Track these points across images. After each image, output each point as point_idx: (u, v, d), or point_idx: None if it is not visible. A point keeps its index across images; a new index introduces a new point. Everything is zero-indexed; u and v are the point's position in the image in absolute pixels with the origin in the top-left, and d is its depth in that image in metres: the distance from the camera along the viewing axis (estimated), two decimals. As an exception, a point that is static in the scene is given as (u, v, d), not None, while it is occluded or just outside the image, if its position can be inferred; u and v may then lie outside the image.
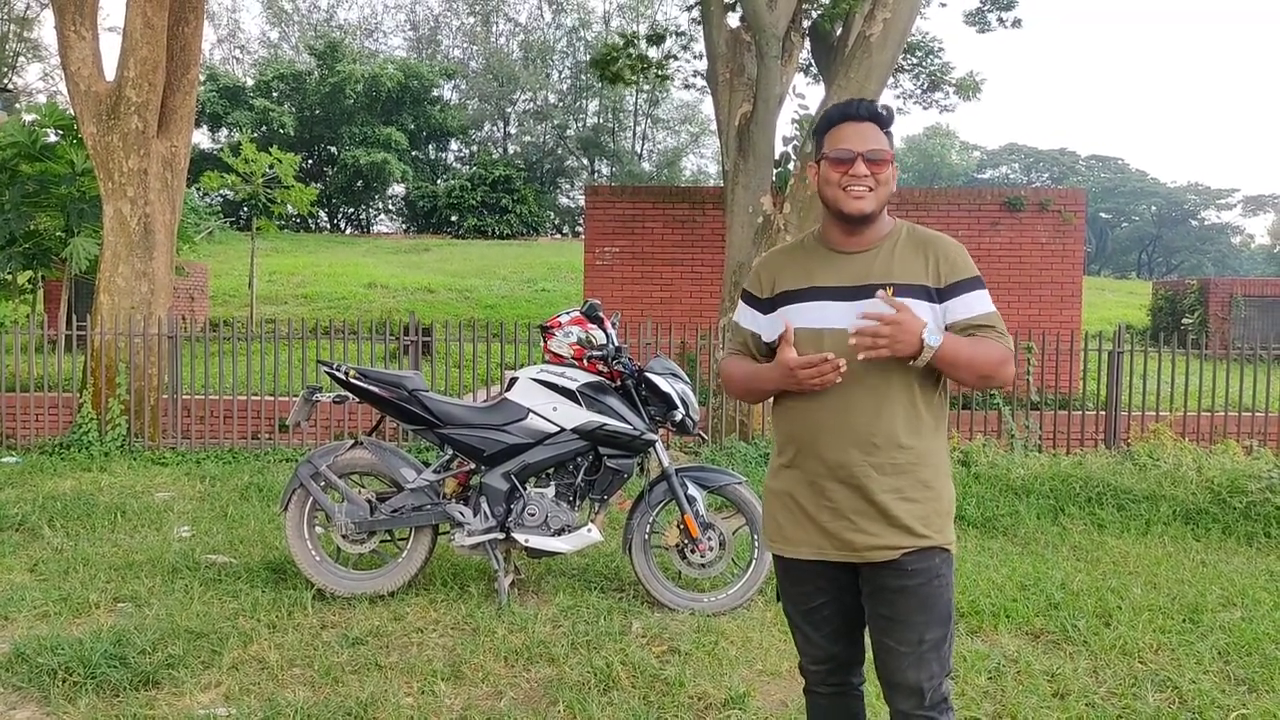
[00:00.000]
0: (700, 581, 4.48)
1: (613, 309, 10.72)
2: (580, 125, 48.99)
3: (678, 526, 4.38)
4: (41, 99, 32.51)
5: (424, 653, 3.76)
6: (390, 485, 4.54)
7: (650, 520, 4.39)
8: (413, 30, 51.76)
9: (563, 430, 4.32)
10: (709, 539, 4.33)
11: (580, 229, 40.32)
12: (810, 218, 8.17)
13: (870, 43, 8.14)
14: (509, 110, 49.26)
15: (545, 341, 4.53)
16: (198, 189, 19.90)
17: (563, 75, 49.92)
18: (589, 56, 31.67)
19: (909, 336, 1.97)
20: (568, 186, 48.89)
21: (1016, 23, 15.08)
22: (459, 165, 47.38)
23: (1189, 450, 7.18)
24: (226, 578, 4.62)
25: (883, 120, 2.15)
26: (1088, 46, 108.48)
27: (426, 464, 4.57)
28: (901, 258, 2.14)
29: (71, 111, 9.54)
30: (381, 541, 4.55)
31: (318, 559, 4.43)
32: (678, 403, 4.36)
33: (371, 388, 4.41)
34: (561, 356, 4.46)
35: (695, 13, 13.00)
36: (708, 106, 37.03)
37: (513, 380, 4.49)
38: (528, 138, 49.60)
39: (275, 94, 39.43)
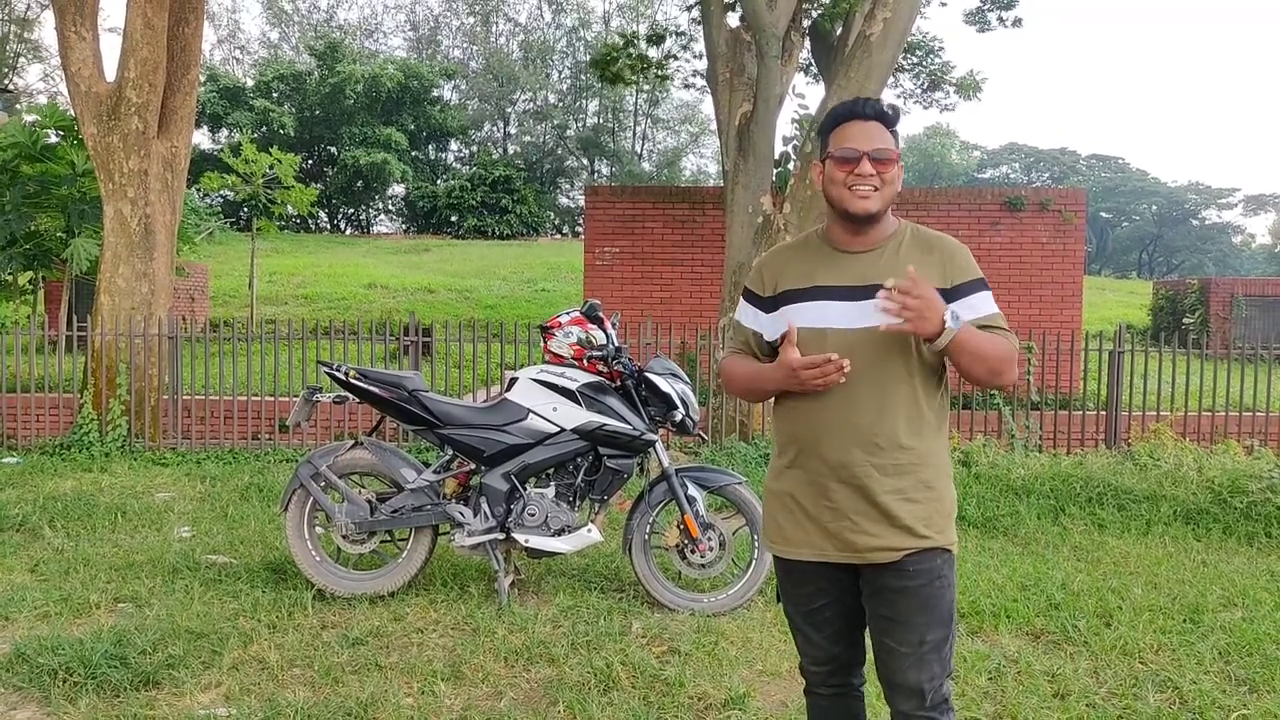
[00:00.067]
0: (700, 582, 4.48)
1: (613, 309, 10.72)
2: (580, 125, 49.00)
3: (678, 527, 4.38)
4: (42, 100, 32.59)
5: (424, 653, 3.76)
6: (390, 485, 4.54)
7: (650, 520, 4.39)
8: (413, 30, 51.84)
9: (563, 430, 4.32)
10: (709, 539, 4.33)
11: (580, 229, 40.32)
12: (810, 218, 8.17)
13: (870, 42, 8.14)
14: (509, 110, 49.27)
15: (545, 342, 4.53)
16: (198, 189, 19.90)
17: (562, 75, 49.95)
18: (589, 56, 31.71)
19: (933, 314, 1.96)
20: (568, 186, 48.92)
21: (1017, 22, 15.06)
22: (459, 165, 47.41)
23: (1190, 450, 7.18)
24: (227, 578, 4.62)
25: (888, 119, 2.14)
26: (1088, 46, 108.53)
27: (427, 464, 4.57)
28: (906, 258, 2.13)
29: (72, 112, 9.54)
30: (382, 542, 4.55)
31: (318, 559, 4.43)
32: (678, 403, 4.36)
33: (371, 388, 4.41)
34: (561, 357, 4.46)
35: (695, 12, 13.00)
36: (707, 106, 37.09)
37: (513, 380, 4.49)
38: (528, 138, 49.62)
39: (275, 94, 39.45)
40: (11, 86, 34.87)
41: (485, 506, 4.33)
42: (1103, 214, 57.16)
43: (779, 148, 9.60)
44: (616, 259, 12.27)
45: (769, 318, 2.23)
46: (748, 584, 4.32)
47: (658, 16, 42.84)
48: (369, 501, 4.44)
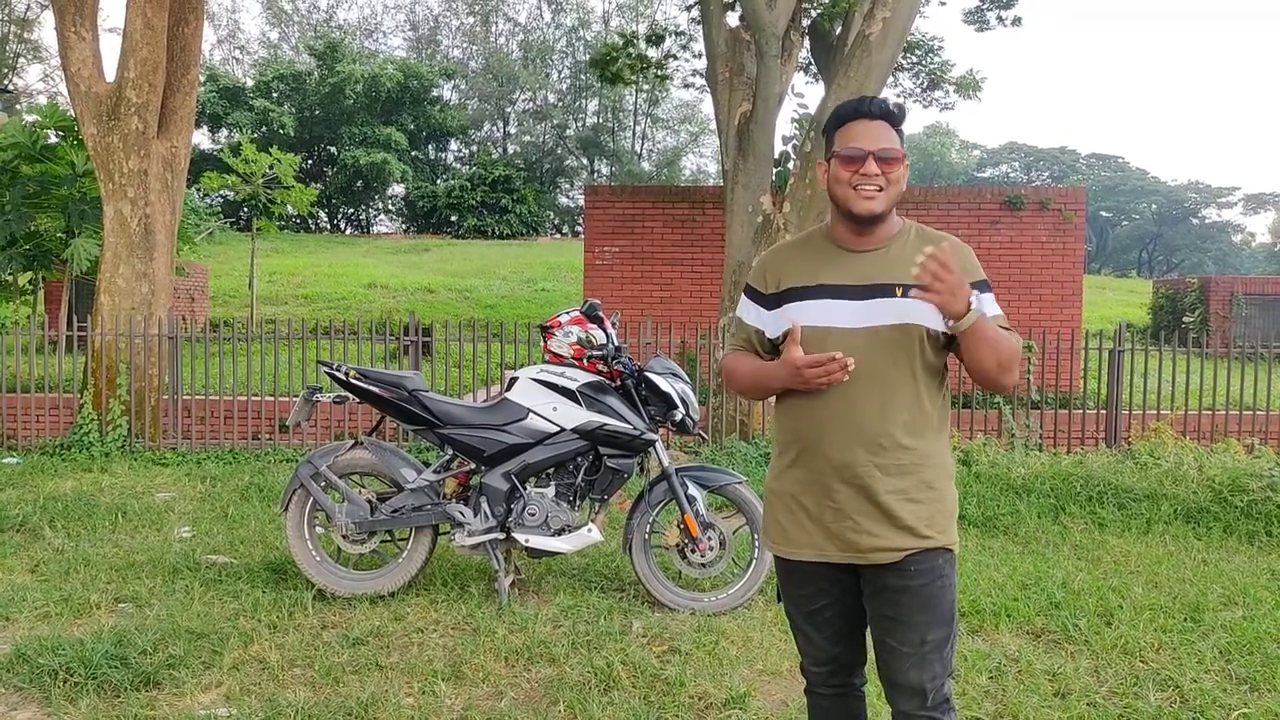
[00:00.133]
0: (701, 581, 4.48)
1: (612, 309, 10.72)
2: (580, 125, 48.98)
3: (678, 526, 4.38)
4: (42, 100, 32.58)
5: (424, 653, 3.76)
6: (390, 485, 4.54)
7: (650, 520, 4.39)
8: (412, 30, 51.81)
9: (563, 430, 4.32)
10: (709, 539, 4.33)
11: (580, 229, 40.33)
12: (810, 217, 8.17)
13: (870, 41, 8.14)
14: (508, 110, 49.26)
15: (545, 341, 4.53)
16: (198, 189, 19.90)
17: (562, 75, 49.94)
18: (588, 56, 31.69)
19: (963, 292, 1.95)
20: (567, 186, 48.90)
21: (1016, 21, 15.06)
22: (459, 165, 47.39)
23: (1190, 449, 7.18)
24: (227, 578, 4.62)
25: (894, 118, 2.13)
26: (1088, 45, 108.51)
27: (427, 464, 4.57)
28: (911, 258, 2.11)
29: (72, 112, 9.54)
30: (382, 542, 4.55)
31: (318, 559, 4.43)
32: (678, 402, 4.36)
33: (371, 388, 4.41)
34: (561, 356, 4.46)
35: (694, 12, 13.00)
36: (707, 106, 37.05)
37: (513, 380, 4.49)
38: (527, 137, 49.60)
39: (275, 94, 39.43)
40: (11, 87, 34.87)
41: (485, 506, 4.33)
42: (1102, 213, 57.16)
43: (778, 147, 9.61)
44: (616, 258, 12.27)
45: (771, 315, 2.22)
46: (748, 583, 4.32)
47: (657, 16, 42.84)
48: (369, 501, 4.44)
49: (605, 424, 4.29)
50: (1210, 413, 8.51)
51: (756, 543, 4.33)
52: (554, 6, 49.28)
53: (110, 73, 8.49)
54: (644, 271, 12.24)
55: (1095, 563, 5.09)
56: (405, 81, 39.93)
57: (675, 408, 4.36)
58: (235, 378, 8.55)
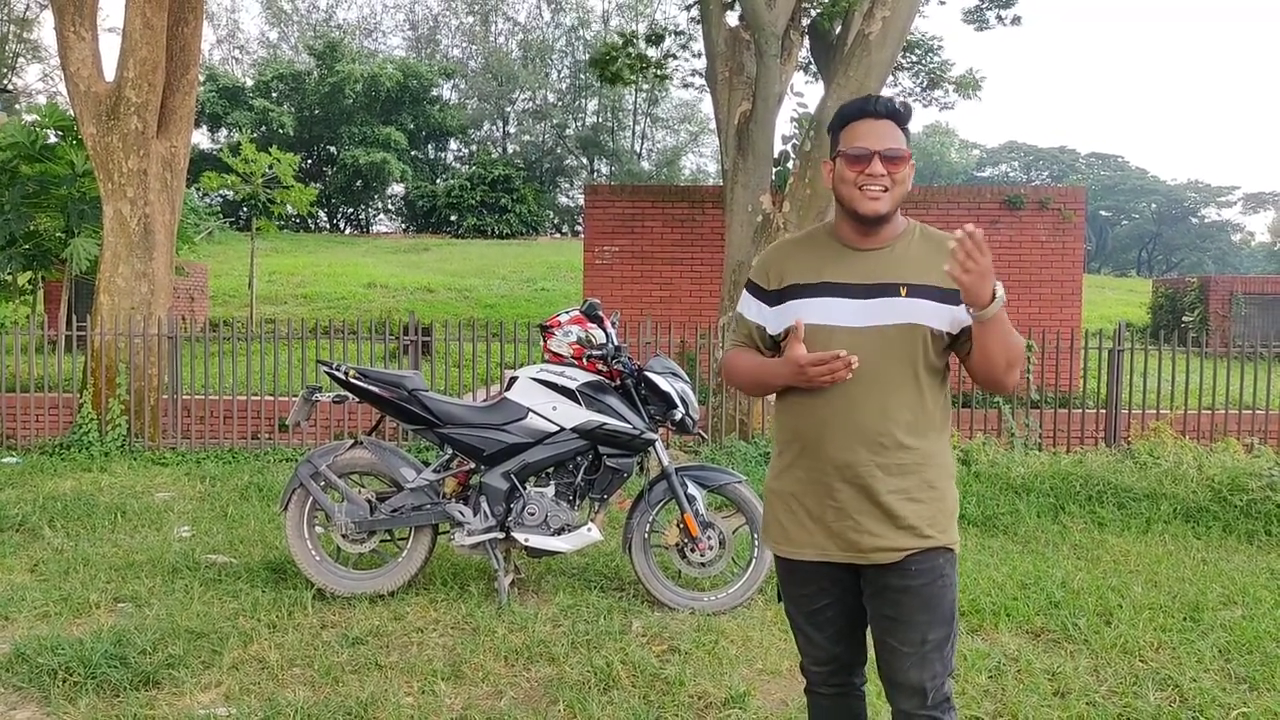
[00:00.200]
0: (700, 580, 4.48)
1: (612, 308, 10.71)
2: (579, 124, 48.97)
3: (678, 525, 4.38)
4: (41, 100, 32.56)
5: (424, 652, 3.75)
6: (390, 485, 4.54)
7: (650, 519, 4.39)
8: (412, 30, 51.80)
9: (562, 429, 4.32)
10: (709, 538, 4.33)
11: (580, 228, 40.32)
12: (810, 216, 8.17)
13: (869, 41, 8.13)
14: (508, 109, 49.25)
15: (545, 341, 4.53)
16: (197, 189, 19.88)
17: (562, 74, 49.93)
18: (588, 56, 31.64)
19: (989, 280, 1.94)
20: (567, 186, 48.89)
21: (1015, 20, 15.06)
22: (458, 165, 47.38)
23: (1189, 448, 7.18)
24: (226, 578, 4.62)
25: (900, 117, 2.12)
26: (1087, 44, 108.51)
27: (426, 463, 4.57)
28: (915, 258, 2.12)
29: (71, 112, 9.54)
30: (381, 541, 4.55)
31: (318, 559, 4.43)
32: (677, 402, 4.36)
33: (371, 387, 4.41)
34: (561, 356, 4.46)
35: (694, 12, 12.99)
36: (707, 105, 37.02)
37: (512, 379, 4.49)
38: (527, 137, 49.59)
39: (274, 94, 39.42)
40: (11, 86, 34.86)
41: (485, 505, 4.33)
42: (1102, 212, 57.17)
43: (778, 146, 9.60)
44: (616, 258, 12.27)
45: (773, 311, 2.21)
46: (748, 583, 4.32)
47: (657, 16, 42.79)
48: (369, 501, 4.44)
49: (605, 423, 4.28)
50: (1210, 412, 8.51)
51: (756, 542, 4.32)
52: (553, 6, 49.30)
53: (110, 72, 8.49)
54: (644, 271, 12.24)
55: (1095, 562, 5.09)
56: (405, 81, 39.92)
57: (675, 407, 4.36)
58: (235, 377, 8.55)
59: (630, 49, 12.37)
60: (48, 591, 4.37)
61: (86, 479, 7.11)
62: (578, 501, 4.42)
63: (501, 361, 8.62)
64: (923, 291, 2.08)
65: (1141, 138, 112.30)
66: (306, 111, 39.70)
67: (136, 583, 4.53)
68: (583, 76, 45.55)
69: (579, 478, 4.40)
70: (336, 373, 4.43)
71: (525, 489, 4.35)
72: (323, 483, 4.43)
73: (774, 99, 9.02)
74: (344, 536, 4.40)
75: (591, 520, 4.40)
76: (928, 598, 2.09)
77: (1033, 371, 8.46)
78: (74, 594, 4.33)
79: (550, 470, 4.41)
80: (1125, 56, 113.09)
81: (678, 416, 4.38)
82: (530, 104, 48.96)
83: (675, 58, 13.29)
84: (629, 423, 4.30)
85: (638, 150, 49.28)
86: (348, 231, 44.30)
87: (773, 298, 2.21)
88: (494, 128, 50.15)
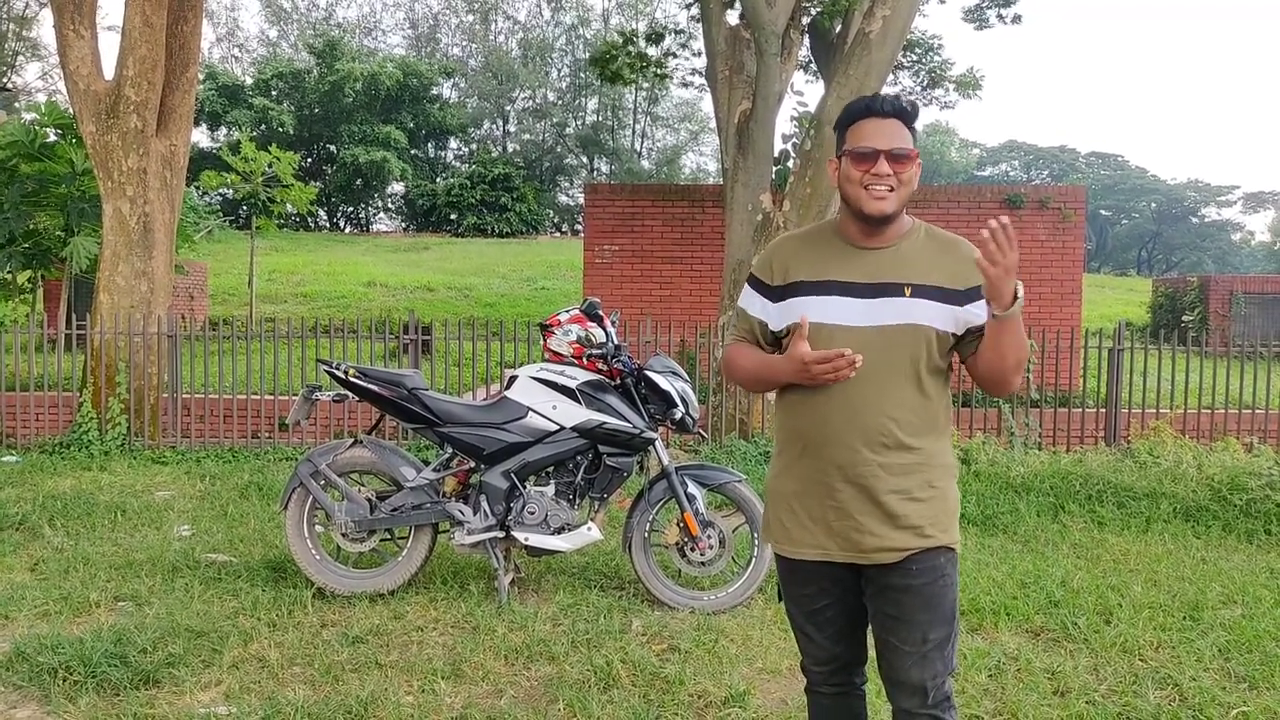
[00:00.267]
0: (700, 579, 4.48)
1: (612, 307, 10.71)
2: (579, 123, 48.96)
3: (677, 524, 4.38)
4: (41, 98, 32.45)
5: (424, 651, 3.76)
6: (390, 484, 4.54)
7: (650, 518, 4.39)
8: (412, 28, 51.78)
9: (562, 428, 4.32)
10: (709, 537, 4.33)
11: (580, 227, 40.32)
12: (810, 216, 8.17)
13: (870, 40, 8.13)
14: (508, 108, 49.23)
15: (545, 340, 4.53)
16: (197, 188, 19.87)
17: (562, 73, 49.90)
18: (588, 55, 31.64)
19: (1013, 275, 1.93)
20: (567, 184, 48.89)
21: (1016, 19, 15.06)
22: (458, 163, 47.38)
23: (1189, 448, 7.18)
24: (227, 576, 4.62)
25: (907, 115, 2.10)
26: (1088, 43, 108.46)
27: (426, 462, 4.57)
28: (920, 258, 2.11)
29: (71, 111, 9.53)
30: (381, 540, 4.55)
31: (318, 557, 4.43)
32: (677, 401, 4.36)
33: (371, 386, 4.41)
34: (561, 355, 4.46)
35: (694, 10, 13.00)
36: (707, 104, 37.04)
37: (512, 378, 4.49)
38: (527, 136, 49.57)
39: (274, 92, 39.40)
40: (10, 85, 34.84)
41: (485, 504, 4.33)
42: (1102, 211, 57.16)
43: (778, 145, 9.59)
44: (616, 257, 12.26)
45: (776, 307, 2.19)
46: (748, 582, 4.32)
47: (657, 14, 42.77)
48: (369, 500, 4.44)
49: (605, 422, 4.28)
50: (1209, 411, 8.50)
51: (756, 541, 4.33)
52: (554, 4, 49.27)
53: (109, 71, 8.49)
54: (644, 270, 12.24)
55: (1094, 561, 5.09)
56: (404, 80, 39.90)
57: (675, 406, 4.36)
58: (234, 376, 8.55)
59: (630, 48, 12.37)
60: (48, 590, 4.37)
61: (86, 478, 7.11)
62: (578, 500, 4.42)
63: (501, 360, 8.62)
64: (927, 292, 2.08)
65: (1141, 137, 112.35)
66: (306, 110, 39.68)
67: (136, 581, 4.53)
68: (583, 75, 45.54)
69: (579, 477, 4.40)
70: (336, 371, 4.43)
71: (525, 488, 4.35)
72: (323, 481, 4.43)
73: (774, 98, 9.02)
74: (344, 535, 4.40)
75: (591, 519, 4.40)
76: (929, 597, 2.09)
77: (1033, 371, 8.46)
78: (74, 593, 4.33)
79: (550, 469, 4.41)
80: (1125, 55, 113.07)
81: (678, 415, 4.38)
82: (530, 103, 48.96)
83: (675, 56, 13.30)
84: (629, 422, 4.30)
85: (638, 149, 49.28)
86: (347, 230, 44.29)
87: (776, 293, 2.19)
88: (494, 126, 50.16)
